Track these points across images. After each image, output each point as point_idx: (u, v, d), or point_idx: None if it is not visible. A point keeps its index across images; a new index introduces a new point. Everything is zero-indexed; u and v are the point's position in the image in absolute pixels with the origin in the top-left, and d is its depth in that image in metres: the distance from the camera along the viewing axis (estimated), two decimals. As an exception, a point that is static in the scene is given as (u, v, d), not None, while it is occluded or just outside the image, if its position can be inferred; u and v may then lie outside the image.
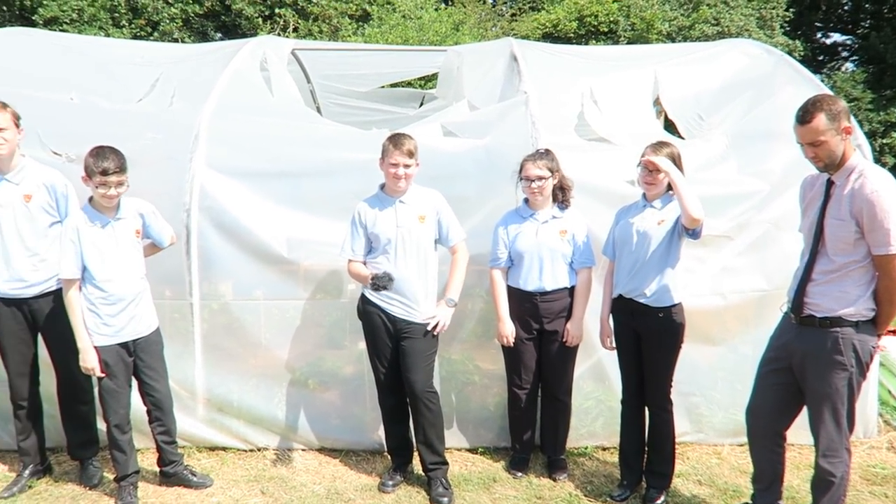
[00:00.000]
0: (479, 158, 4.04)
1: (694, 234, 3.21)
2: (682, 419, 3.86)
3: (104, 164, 3.15)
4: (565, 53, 5.38)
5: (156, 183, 3.84)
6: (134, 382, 3.49)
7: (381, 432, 3.96)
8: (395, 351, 3.55)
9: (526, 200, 3.66)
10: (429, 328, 3.45)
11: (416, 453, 3.76)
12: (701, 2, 13.32)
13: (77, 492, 3.59)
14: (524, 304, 3.62)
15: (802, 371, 2.82)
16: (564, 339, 3.61)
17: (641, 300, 3.31)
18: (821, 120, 2.62)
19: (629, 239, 3.36)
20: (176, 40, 14.82)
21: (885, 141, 12.83)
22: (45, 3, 14.01)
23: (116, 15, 15.04)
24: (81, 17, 14.30)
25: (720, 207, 3.83)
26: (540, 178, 3.50)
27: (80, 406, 3.64)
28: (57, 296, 3.44)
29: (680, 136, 4.57)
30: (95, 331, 3.30)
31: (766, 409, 3.00)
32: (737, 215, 3.89)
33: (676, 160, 3.26)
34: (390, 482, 3.69)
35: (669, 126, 5.11)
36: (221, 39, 15.81)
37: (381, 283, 3.35)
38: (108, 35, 14.24)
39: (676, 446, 3.53)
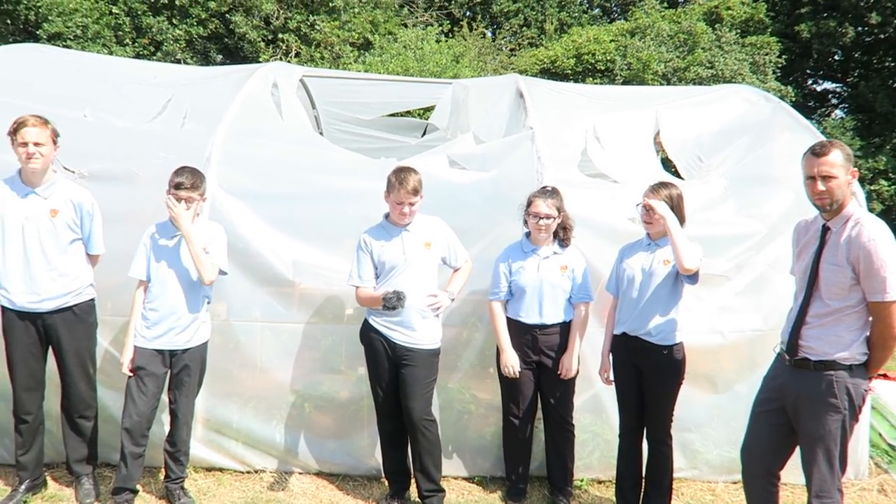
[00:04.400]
0: (485, 191, 4.12)
1: (690, 279, 3.30)
2: (677, 455, 3.87)
3: (178, 178, 3.41)
4: (569, 91, 5.52)
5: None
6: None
7: (378, 457, 3.97)
8: (394, 377, 3.59)
9: (527, 235, 3.74)
10: (427, 305, 3.50)
11: (413, 480, 3.78)
12: (696, 45, 13.64)
13: (73, 508, 3.58)
14: (523, 335, 3.68)
15: (796, 412, 2.88)
16: (559, 372, 3.66)
17: (646, 338, 3.38)
18: (837, 155, 2.73)
19: (634, 277, 3.44)
20: (178, 61, 14.98)
21: (873, 188, 13.11)
22: (50, 18, 14.13)
23: (120, 33, 15.20)
24: (86, 33, 14.43)
25: (719, 247, 3.93)
26: (548, 217, 3.58)
27: (83, 421, 3.64)
28: (72, 312, 3.50)
29: (679, 177, 4.70)
30: (138, 331, 3.47)
31: (761, 448, 3.05)
32: (735, 256, 3.98)
33: (677, 201, 3.36)
34: (387, 509, 3.70)
35: (668, 166, 5.24)
36: (223, 62, 15.99)
37: (392, 302, 3.37)
38: (111, 53, 14.37)
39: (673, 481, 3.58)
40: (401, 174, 3.44)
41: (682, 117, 4.91)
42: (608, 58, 13.94)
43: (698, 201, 4.04)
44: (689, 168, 4.75)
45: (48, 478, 3.80)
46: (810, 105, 17.03)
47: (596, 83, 13.19)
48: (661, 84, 13.16)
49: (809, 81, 17.47)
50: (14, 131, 3.32)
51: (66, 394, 3.61)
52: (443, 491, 3.70)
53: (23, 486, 3.59)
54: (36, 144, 3.32)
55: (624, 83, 13.50)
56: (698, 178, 4.54)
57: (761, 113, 4.82)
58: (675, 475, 3.63)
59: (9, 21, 14.44)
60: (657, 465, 3.51)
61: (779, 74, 14.38)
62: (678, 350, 3.40)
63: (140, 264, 3.51)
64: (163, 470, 3.71)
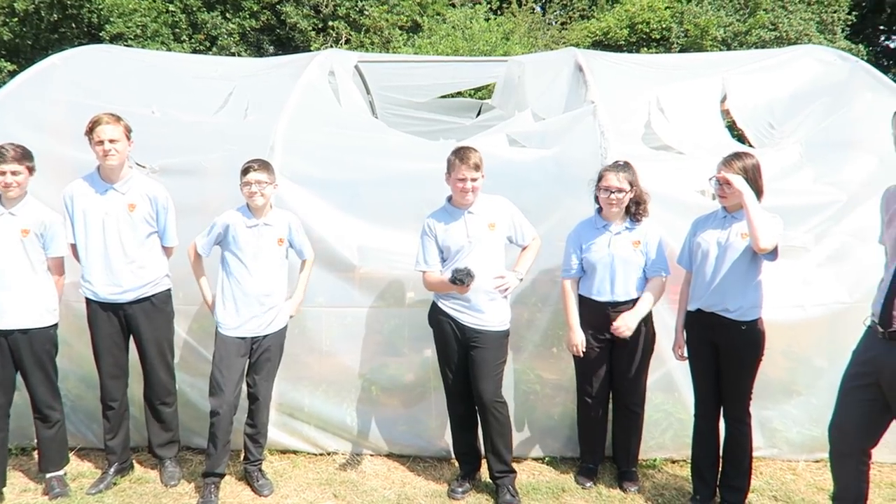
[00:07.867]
0: (548, 168, 4.05)
1: (768, 256, 3.16)
2: (755, 433, 3.75)
3: (247, 163, 3.50)
4: (630, 62, 5.36)
5: (233, 192, 3.98)
6: None
7: (448, 439, 3.99)
8: (464, 359, 3.58)
9: (599, 211, 3.65)
10: (494, 287, 3.46)
11: (483, 461, 3.79)
12: (758, 6, 13.03)
13: (158, 489, 3.73)
14: (595, 313, 3.61)
15: (892, 387, 2.73)
16: (614, 330, 3.52)
17: (724, 314, 3.26)
18: None
19: (708, 251, 3.32)
20: (233, 54, 15.25)
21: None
22: (111, 20, 14.59)
23: (177, 30, 15.57)
24: (145, 32, 14.83)
25: (796, 218, 3.75)
26: (620, 191, 3.48)
27: (164, 408, 3.79)
28: (150, 302, 3.64)
29: (749, 145, 4.50)
30: (222, 321, 3.55)
31: (852, 425, 2.90)
32: (814, 226, 3.80)
33: (752, 173, 3.22)
34: (459, 489, 3.72)
35: (737, 135, 5.03)
36: (276, 53, 16.20)
37: (460, 276, 3.33)
38: (169, 50, 14.75)
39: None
40: (460, 152, 3.43)
41: (751, 83, 4.70)
42: (664, 26, 13.49)
43: (772, 170, 3.86)
44: (760, 136, 4.54)
45: (134, 461, 3.97)
46: (883, 63, 16.09)
47: (651, 53, 12.80)
48: (721, 51, 12.64)
49: (882, 38, 16.51)
50: (90, 130, 3.45)
51: (148, 382, 3.76)
52: (514, 472, 3.68)
53: (112, 469, 3.77)
54: (111, 141, 3.45)
55: (681, 52, 13.03)
56: (771, 147, 4.34)
57: (838, 74, 4.56)
58: (754, 454, 3.51)
59: (73, 25, 14.99)
60: (736, 445, 3.40)
61: (848, 32, 13.62)
62: (757, 326, 3.27)
63: (204, 241, 3.59)
64: (242, 452, 3.82)
